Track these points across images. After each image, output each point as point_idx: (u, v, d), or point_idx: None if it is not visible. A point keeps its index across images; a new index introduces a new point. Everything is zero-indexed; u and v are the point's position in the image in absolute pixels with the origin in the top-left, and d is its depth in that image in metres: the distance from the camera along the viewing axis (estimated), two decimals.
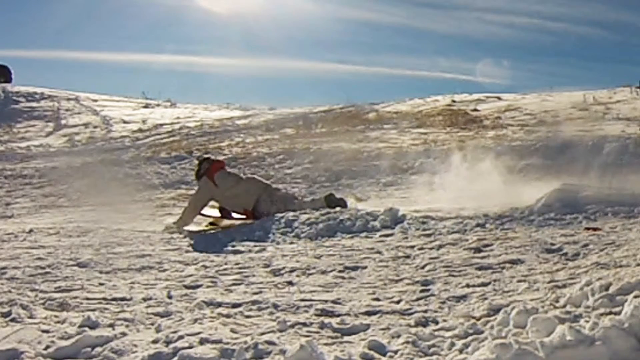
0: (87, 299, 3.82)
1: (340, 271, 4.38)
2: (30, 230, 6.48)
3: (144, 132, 15.30)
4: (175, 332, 3.06)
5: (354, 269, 4.44)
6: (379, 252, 4.89)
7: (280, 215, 6.20)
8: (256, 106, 18.43)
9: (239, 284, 4.11)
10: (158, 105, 19.54)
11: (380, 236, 5.53)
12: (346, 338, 3.03)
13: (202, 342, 2.91)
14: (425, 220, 5.83)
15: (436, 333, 2.97)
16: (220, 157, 11.39)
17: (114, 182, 9.79)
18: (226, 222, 6.76)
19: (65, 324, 3.29)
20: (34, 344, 2.96)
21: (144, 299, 3.76)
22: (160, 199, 9.13)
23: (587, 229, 5.30)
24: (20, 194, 9.89)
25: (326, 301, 3.63)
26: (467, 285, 3.85)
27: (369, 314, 3.39)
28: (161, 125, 15.95)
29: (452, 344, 2.81)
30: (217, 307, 3.57)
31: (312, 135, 12.95)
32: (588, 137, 10.54)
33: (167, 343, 2.92)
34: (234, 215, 6.79)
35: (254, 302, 3.63)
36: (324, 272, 4.37)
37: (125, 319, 3.34)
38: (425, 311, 3.39)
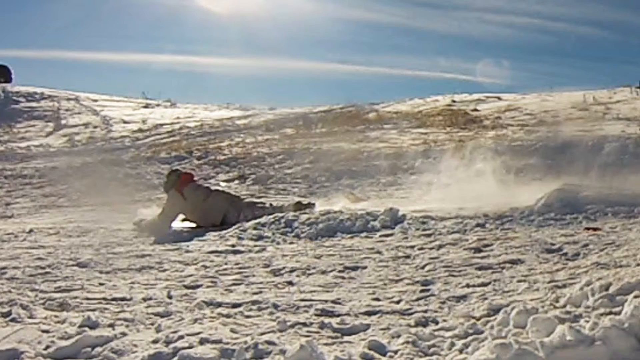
0: (87, 299, 3.82)
1: (340, 271, 4.39)
2: (30, 230, 6.49)
3: (144, 132, 15.30)
4: (175, 332, 3.06)
5: (354, 269, 4.44)
6: (379, 252, 4.89)
7: (280, 215, 6.21)
8: (256, 106, 18.44)
9: (239, 284, 4.11)
10: (158, 105, 19.54)
11: (380, 236, 5.53)
12: (346, 338, 3.03)
13: (202, 342, 2.91)
14: (425, 220, 5.83)
15: (436, 333, 2.97)
16: (221, 157, 11.44)
17: (114, 182, 9.79)
18: None
19: (65, 324, 3.29)
20: (34, 344, 2.96)
21: (144, 299, 3.76)
22: (161, 199, 9.10)
23: (587, 229, 5.30)
24: (20, 194, 9.89)
25: (326, 301, 3.63)
26: (467, 285, 3.85)
27: (369, 314, 3.39)
28: (161, 125, 15.95)
29: (452, 344, 2.81)
30: (217, 307, 3.57)
31: (312, 135, 12.95)
32: (588, 137, 10.54)
33: (167, 343, 2.92)
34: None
35: (254, 302, 3.63)
36: (324, 272, 4.37)
37: (125, 319, 3.35)
38: (425, 311, 3.39)
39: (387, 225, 5.81)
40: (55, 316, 3.45)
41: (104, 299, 3.81)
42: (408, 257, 4.70)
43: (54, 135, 15.78)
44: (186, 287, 4.09)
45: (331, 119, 14.95)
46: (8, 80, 21.60)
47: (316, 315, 3.40)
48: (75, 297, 3.84)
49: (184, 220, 6.86)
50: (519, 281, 3.85)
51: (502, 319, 2.98)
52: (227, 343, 2.88)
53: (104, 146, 14.04)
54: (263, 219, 6.14)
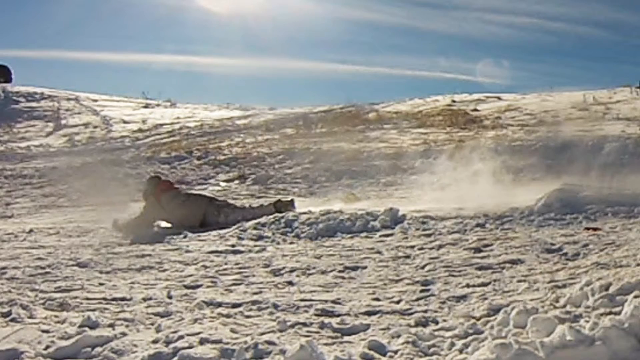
0: (87, 299, 3.82)
1: (340, 271, 4.39)
2: (30, 230, 6.49)
3: (144, 132, 15.30)
4: (175, 332, 3.06)
5: (354, 269, 4.44)
6: (379, 252, 4.89)
7: (280, 215, 6.21)
8: (256, 106, 18.43)
9: (239, 284, 4.12)
10: (158, 105, 19.53)
11: (380, 236, 5.54)
12: (346, 338, 3.03)
13: (202, 342, 2.91)
14: (425, 220, 5.83)
15: (436, 333, 2.97)
16: (221, 157, 11.44)
17: (114, 182, 9.78)
18: None
19: (65, 324, 3.29)
20: (34, 344, 2.97)
21: (144, 299, 3.76)
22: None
23: (587, 229, 5.30)
24: (20, 194, 9.89)
25: (326, 301, 3.63)
26: (467, 285, 3.85)
27: (369, 314, 3.39)
28: (161, 125, 15.95)
29: (452, 344, 2.81)
30: (217, 307, 3.57)
31: (312, 135, 12.94)
32: (588, 137, 10.54)
33: (167, 343, 2.92)
34: None
35: (254, 302, 3.63)
36: (324, 272, 4.37)
37: (125, 319, 3.35)
38: (425, 311, 3.39)
39: (387, 225, 5.81)
40: (55, 316, 3.45)
41: (104, 299, 3.81)
42: (408, 257, 4.71)
43: (54, 135, 15.77)
44: (186, 287, 4.09)
45: (331, 119, 14.95)
46: (8, 80, 21.60)
47: (316, 315, 3.40)
48: (75, 297, 3.84)
49: (161, 220, 6.91)
50: (519, 281, 3.85)
51: (502, 319, 2.98)
52: (227, 343, 2.88)
53: (104, 146, 14.04)
54: (263, 219, 6.14)
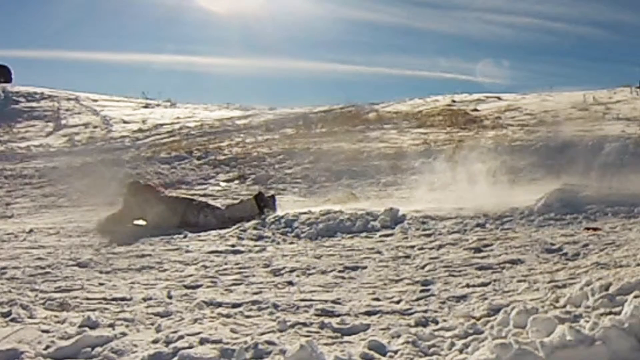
0: (87, 299, 3.82)
1: (340, 271, 4.39)
2: (30, 230, 6.49)
3: (144, 132, 15.29)
4: (175, 332, 3.06)
5: (354, 269, 4.44)
6: (379, 252, 4.89)
7: (280, 215, 6.21)
8: (256, 106, 18.42)
9: (239, 284, 4.12)
10: (158, 105, 19.53)
11: (380, 236, 5.54)
12: (346, 338, 3.03)
13: (202, 342, 2.91)
14: (425, 220, 5.83)
15: (436, 333, 2.97)
16: (221, 157, 11.43)
17: (114, 182, 9.77)
18: None
19: (65, 324, 3.29)
20: (34, 344, 2.97)
21: (144, 299, 3.77)
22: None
23: (587, 229, 5.30)
24: (20, 194, 9.89)
25: (326, 301, 3.64)
26: (467, 285, 3.85)
27: (369, 314, 3.39)
28: (161, 125, 15.94)
29: (452, 344, 2.81)
30: (217, 307, 3.57)
31: (312, 135, 12.94)
32: (588, 137, 10.54)
33: (167, 343, 2.92)
34: None
35: (254, 302, 3.64)
36: (324, 272, 4.37)
37: (125, 319, 3.35)
38: (425, 311, 3.39)
39: (387, 225, 5.82)
40: (55, 316, 3.45)
41: (104, 299, 3.81)
42: (408, 257, 4.71)
43: (54, 135, 15.76)
44: (186, 287, 4.09)
45: (331, 119, 14.95)
46: (8, 80, 21.59)
47: (316, 315, 3.40)
48: (75, 297, 3.84)
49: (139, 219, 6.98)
50: (519, 281, 3.85)
51: (502, 319, 2.98)
52: (227, 343, 2.88)
53: (104, 146, 14.03)
54: (262, 220, 6.15)
